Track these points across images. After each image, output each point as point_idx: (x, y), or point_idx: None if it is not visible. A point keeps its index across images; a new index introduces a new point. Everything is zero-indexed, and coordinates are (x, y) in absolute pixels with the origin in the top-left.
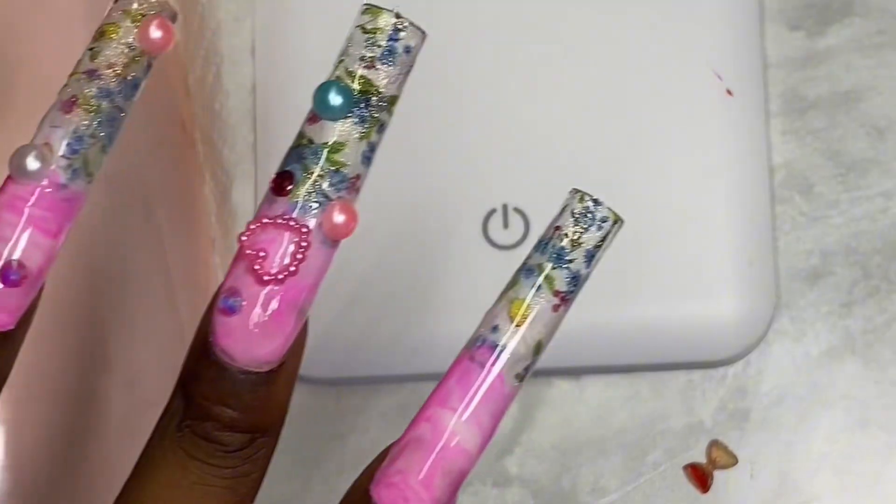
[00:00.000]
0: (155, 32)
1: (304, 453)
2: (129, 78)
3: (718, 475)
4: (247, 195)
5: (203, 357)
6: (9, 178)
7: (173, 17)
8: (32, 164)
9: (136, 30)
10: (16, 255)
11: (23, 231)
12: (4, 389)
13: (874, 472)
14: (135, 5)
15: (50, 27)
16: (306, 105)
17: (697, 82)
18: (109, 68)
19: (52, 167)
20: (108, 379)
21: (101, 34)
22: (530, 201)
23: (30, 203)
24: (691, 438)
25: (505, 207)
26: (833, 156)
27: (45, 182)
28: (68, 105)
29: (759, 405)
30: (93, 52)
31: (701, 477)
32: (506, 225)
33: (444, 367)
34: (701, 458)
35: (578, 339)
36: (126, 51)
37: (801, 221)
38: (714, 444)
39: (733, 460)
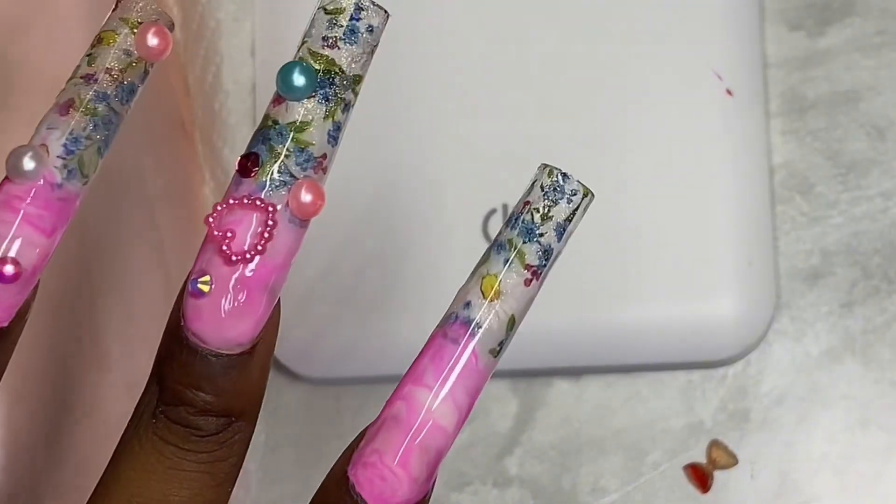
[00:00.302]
0: (152, 40)
1: (303, 453)
2: (126, 83)
3: (718, 475)
4: None
5: (175, 341)
6: (6, 178)
7: (170, 26)
8: (28, 164)
9: (133, 37)
10: (11, 253)
11: (18, 229)
12: (2, 388)
13: (874, 472)
14: (132, 13)
15: (50, 27)
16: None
17: (697, 82)
18: (106, 73)
19: (48, 167)
20: (108, 379)
21: (99, 40)
22: None
23: (25, 202)
24: (691, 438)
25: (505, 207)
26: (833, 156)
27: (40, 182)
28: (65, 108)
29: (759, 405)
30: (90, 58)
31: (701, 477)
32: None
33: None
34: (701, 459)
35: (578, 339)
36: (123, 57)
37: (801, 221)
38: (714, 445)
39: (733, 460)
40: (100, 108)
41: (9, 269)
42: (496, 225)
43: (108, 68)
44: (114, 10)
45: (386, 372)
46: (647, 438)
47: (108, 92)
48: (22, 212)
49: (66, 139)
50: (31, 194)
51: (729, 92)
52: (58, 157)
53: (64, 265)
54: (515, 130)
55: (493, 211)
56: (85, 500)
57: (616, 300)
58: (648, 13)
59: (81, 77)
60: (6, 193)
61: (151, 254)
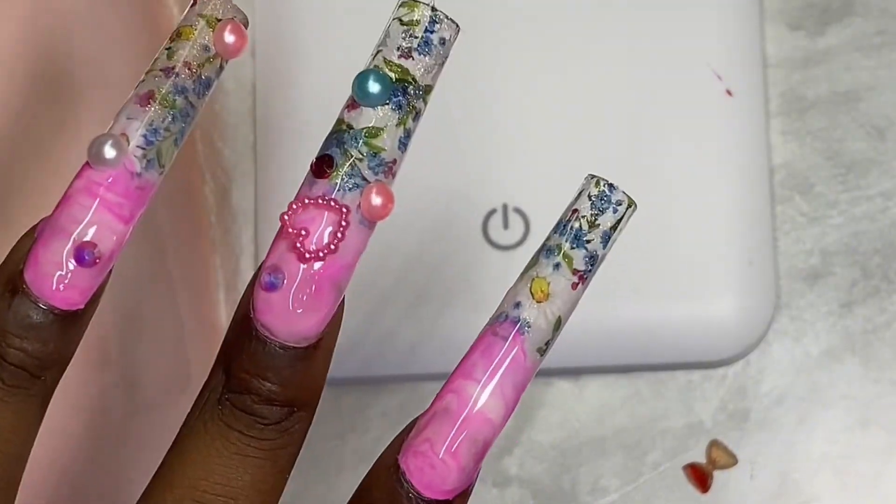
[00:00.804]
0: (229, 37)
1: (303, 453)
2: (203, 77)
3: (718, 475)
4: (247, 195)
5: (244, 332)
6: (86, 164)
7: (245, 23)
8: (109, 152)
9: (211, 32)
10: (90, 237)
11: (98, 215)
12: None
13: (874, 471)
14: (209, 9)
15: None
16: (306, 105)
17: (697, 82)
18: (185, 67)
19: (128, 156)
20: (108, 379)
21: (177, 34)
22: (530, 201)
23: (105, 188)
24: (691, 438)
25: (505, 207)
26: (833, 156)
27: (120, 169)
28: (144, 99)
29: (758, 405)
30: (169, 52)
31: (701, 477)
32: (506, 225)
33: (444, 367)
34: (701, 459)
35: (578, 339)
36: (201, 52)
37: (800, 221)
38: (714, 445)
39: (733, 460)
40: (178, 101)
41: (88, 253)
42: (496, 225)
43: (186, 62)
44: (192, 5)
45: (386, 372)
46: (646, 438)
47: (187, 85)
48: (102, 198)
49: (146, 130)
50: (111, 181)
51: (729, 92)
52: (137, 146)
53: None
54: (516, 131)
55: (493, 211)
56: (86, 499)
57: (616, 300)
58: (648, 13)
59: (161, 69)
60: (87, 179)
61: (152, 253)
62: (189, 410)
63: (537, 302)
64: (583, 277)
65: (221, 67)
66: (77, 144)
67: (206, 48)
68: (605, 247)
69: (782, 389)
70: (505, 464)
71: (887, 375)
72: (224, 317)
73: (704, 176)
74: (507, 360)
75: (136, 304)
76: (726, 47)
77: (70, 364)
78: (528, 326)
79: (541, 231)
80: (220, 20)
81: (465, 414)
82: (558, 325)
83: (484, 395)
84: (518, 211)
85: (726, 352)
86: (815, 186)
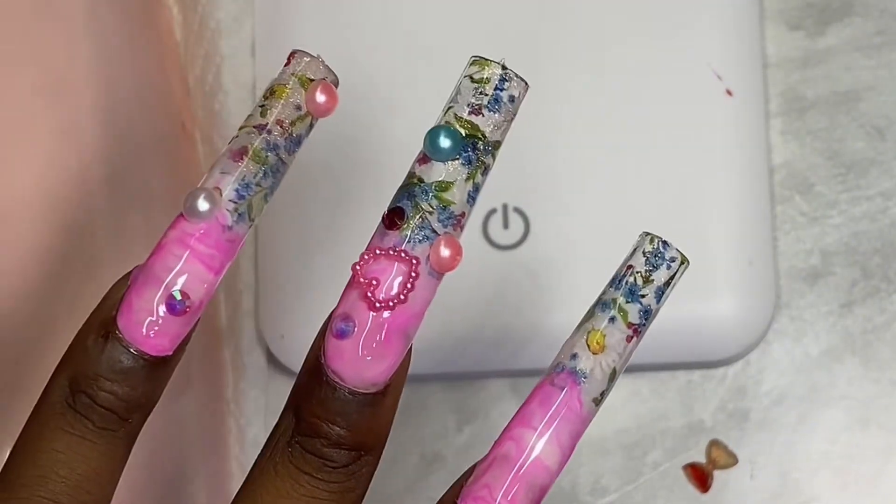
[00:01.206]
0: (320, 97)
1: None
2: (294, 135)
3: (718, 475)
4: None
5: (314, 377)
6: (180, 215)
7: (336, 83)
8: (203, 205)
9: (303, 92)
10: (182, 286)
11: (189, 265)
12: (1, 389)
13: (874, 471)
14: (302, 68)
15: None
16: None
17: (697, 82)
18: (278, 125)
19: (221, 209)
20: None
21: (271, 92)
22: (530, 201)
23: (197, 240)
24: (691, 438)
25: (505, 207)
26: (833, 156)
27: (212, 222)
28: (238, 154)
29: (758, 405)
30: (263, 109)
31: (701, 477)
32: (506, 225)
33: (444, 367)
34: (701, 458)
35: None
36: (293, 110)
37: (800, 221)
38: (714, 444)
39: (733, 460)
40: (270, 158)
41: (179, 302)
42: (496, 225)
43: (279, 120)
44: (286, 64)
45: None
46: (646, 438)
47: (278, 142)
48: (194, 249)
49: (238, 185)
50: (203, 233)
51: (729, 92)
52: (230, 200)
53: (65, 265)
54: (515, 131)
55: (493, 211)
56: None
57: None
58: (648, 13)
59: (255, 126)
60: (181, 231)
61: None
62: (260, 451)
63: (593, 354)
64: (637, 331)
65: (311, 125)
66: (76, 146)
67: (298, 107)
68: (658, 302)
69: (782, 389)
70: None
71: (887, 375)
72: (224, 317)
73: (704, 176)
74: (564, 410)
75: None
76: (726, 47)
77: None
78: (585, 377)
79: (541, 231)
80: (312, 80)
81: (523, 461)
82: (613, 376)
83: (541, 443)
84: (518, 211)
85: (726, 352)
86: (815, 186)
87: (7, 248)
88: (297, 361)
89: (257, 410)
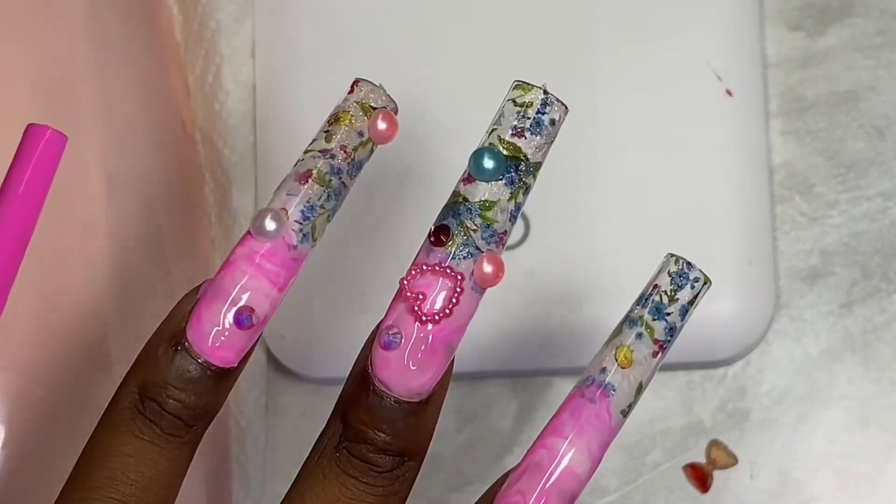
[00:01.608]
0: (381, 124)
1: (303, 453)
2: (356, 160)
3: (718, 475)
4: (247, 195)
5: (362, 386)
6: (248, 233)
7: (396, 111)
8: (270, 224)
9: (365, 119)
10: (249, 302)
11: (256, 281)
12: (3, 391)
13: (874, 471)
14: (364, 96)
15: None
16: (306, 105)
17: (697, 82)
18: (341, 150)
19: (287, 229)
20: (109, 379)
21: (335, 119)
22: (530, 201)
23: (264, 258)
24: (691, 438)
25: None
26: (832, 156)
27: (279, 241)
28: (303, 178)
29: (758, 405)
30: (328, 134)
31: (701, 477)
32: None
33: None
34: (701, 458)
35: (579, 339)
36: (356, 136)
37: (800, 221)
38: (714, 444)
39: (733, 460)
40: (333, 181)
41: (246, 317)
42: None
43: (342, 146)
44: (349, 91)
45: None
46: (646, 438)
47: (341, 167)
48: (261, 267)
49: (304, 206)
50: (270, 251)
51: (729, 92)
52: (295, 221)
53: (65, 265)
54: None
55: None
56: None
57: (616, 300)
58: (648, 13)
59: (319, 151)
60: (249, 248)
61: (152, 253)
62: (307, 456)
63: (621, 368)
64: (662, 347)
65: (372, 151)
66: (77, 145)
67: (360, 133)
68: (682, 319)
69: (782, 389)
70: (505, 463)
71: (887, 375)
72: None
73: (704, 176)
74: (594, 421)
75: (137, 304)
76: (726, 47)
77: (72, 364)
78: (614, 390)
79: (541, 231)
80: (374, 107)
81: (554, 469)
82: (639, 389)
83: (572, 452)
84: None
85: (726, 352)
86: (815, 186)
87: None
88: (297, 362)
89: (257, 410)
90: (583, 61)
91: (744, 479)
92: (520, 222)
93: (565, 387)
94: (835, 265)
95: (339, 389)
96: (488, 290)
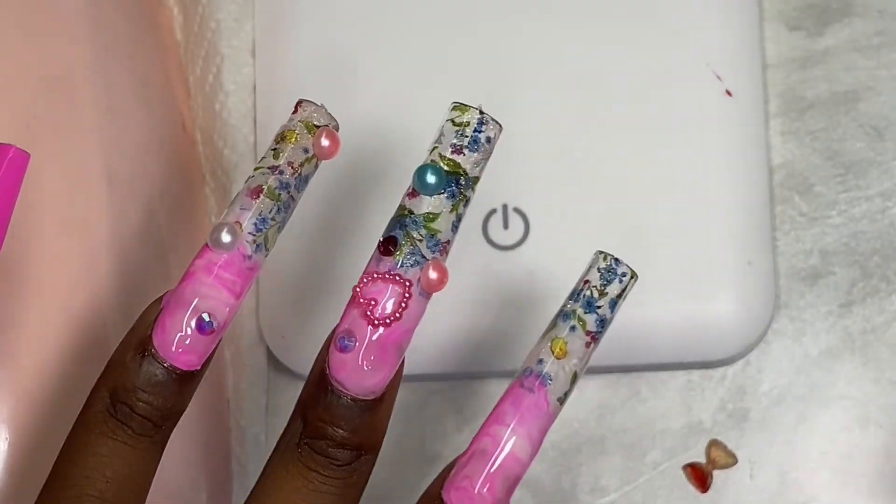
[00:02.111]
0: (325, 141)
1: None
2: (302, 175)
3: (718, 475)
4: None
5: (320, 387)
6: (205, 246)
7: (337, 128)
8: (226, 237)
9: (309, 137)
10: (209, 309)
11: (215, 290)
12: (3, 390)
13: (873, 471)
14: (307, 115)
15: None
16: None
17: (697, 83)
18: (289, 166)
19: (242, 241)
20: None
21: (282, 137)
22: (530, 201)
23: (221, 268)
24: (691, 438)
25: (505, 207)
26: (832, 156)
27: (234, 252)
28: (255, 192)
29: (758, 405)
30: (275, 152)
31: (700, 477)
32: (506, 225)
33: (444, 367)
34: (700, 458)
35: None
36: (301, 153)
37: (800, 221)
38: (713, 444)
39: (733, 460)
40: (282, 195)
41: (207, 323)
42: (496, 225)
43: (289, 162)
44: (294, 112)
45: None
46: (646, 438)
47: (289, 181)
48: (218, 276)
49: (256, 219)
50: (227, 262)
51: (728, 92)
52: (249, 233)
53: (65, 265)
54: (515, 132)
55: (493, 211)
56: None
57: None
58: (647, 14)
59: (268, 168)
60: (207, 259)
61: (152, 253)
62: (270, 454)
63: (557, 359)
64: (594, 338)
65: (316, 166)
66: (77, 145)
67: (305, 150)
68: (612, 311)
69: (782, 389)
70: None
71: (886, 375)
72: None
73: (704, 176)
74: (533, 409)
75: (137, 304)
76: (726, 48)
77: (72, 364)
78: (550, 379)
79: (541, 231)
80: (317, 125)
81: (498, 454)
82: (574, 378)
83: (514, 439)
84: (518, 211)
85: (726, 352)
86: (815, 186)
87: (6, 245)
88: (297, 361)
89: (258, 410)
90: (583, 62)
91: (743, 479)
92: (520, 222)
93: None
94: (834, 265)
95: None
96: (479, 288)
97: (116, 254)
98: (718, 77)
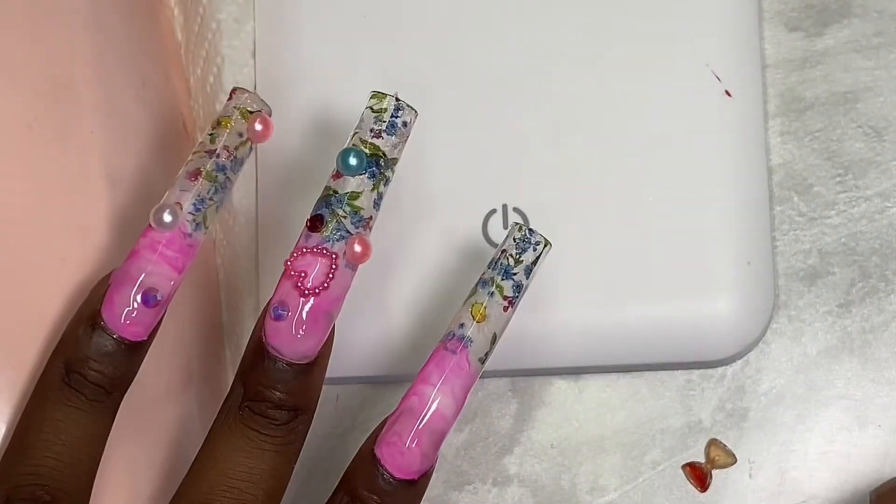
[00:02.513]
0: (258, 126)
1: (304, 452)
2: (238, 157)
3: (717, 474)
4: (247, 195)
5: (258, 353)
6: (149, 226)
7: (270, 113)
8: (167, 217)
9: (244, 122)
10: (153, 284)
11: (158, 266)
12: (5, 391)
13: (872, 471)
14: (242, 102)
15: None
16: (306, 105)
17: (696, 83)
18: (224, 150)
19: (182, 221)
20: None
21: (218, 123)
22: (530, 201)
23: (164, 246)
24: (690, 438)
25: (505, 207)
26: (831, 156)
27: (175, 231)
28: (193, 175)
29: (757, 405)
30: (212, 136)
31: (700, 476)
32: (506, 225)
33: None
34: (700, 458)
35: (578, 339)
36: (236, 137)
37: (799, 222)
38: (713, 444)
39: (732, 459)
40: (219, 177)
41: (152, 297)
42: (496, 225)
43: (225, 146)
44: (229, 99)
45: (385, 372)
46: (646, 438)
47: (226, 164)
48: (162, 253)
49: (195, 199)
50: (168, 240)
51: (727, 93)
52: (188, 213)
53: (66, 265)
54: (516, 132)
55: (493, 211)
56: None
57: (615, 300)
58: (647, 14)
59: (205, 151)
60: (150, 238)
61: None
62: (214, 418)
63: (477, 322)
64: (511, 302)
65: (251, 149)
66: (77, 145)
67: (240, 134)
68: (527, 278)
69: (781, 389)
70: (504, 463)
71: (885, 375)
72: (224, 317)
73: (703, 176)
74: (456, 369)
75: None
76: (725, 48)
77: None
78: (471, 341)
79: (541, 231)
80: (251, 111)
81: (424, 412)
82: (494, 339)
83: (439, 397)
84: (518, 211)
85: (725, 351)
86: (814, 187)
87: (7, 246)
88: None
89: None
90: (582, 62)
91: (743, 479)
92: (520, 222)
93: (565, 386)
94: (833, 265)
95: (339, 388)
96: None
97: (117, 254)
98: (718, 77)
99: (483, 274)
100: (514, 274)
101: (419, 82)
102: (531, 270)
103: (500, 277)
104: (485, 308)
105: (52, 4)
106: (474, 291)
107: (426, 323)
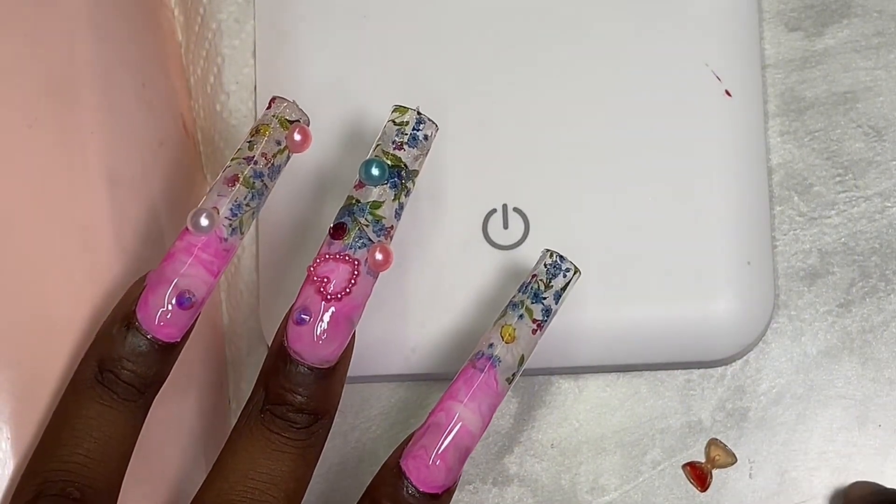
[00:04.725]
0: (297, 136)
1: None
2: (275, 165)
3: (717, 474)
4: None
5: (280, 357)
6: (185, 229)
7: (308, 123)
8: (204, 221)
9: (282, 131)
10: (188, 286)
11: (194, 269)
12: (5, 391)
13: (872, 470)
14: (281, 111)
15: (52, 27)
16: (307, 105)
17: (696, 83)
18: (262, 157)
19: (219, 225)
20: None
21: (256, 130)
22: (530, 201)
23: (200, 249)
24: (690, 437)
25: (505, 207)
26: (831, 156)
27: (212, 235)
28: (231, 181)
29: (757, 404)
30: (251, 144)
31: (700, 476)
32: (506, 225)
33: (444, 367)
34: (700, 457)
35: (578, 339)
36: (274, 145)
37: (799, 221)
38: (713, 443)
39: (732, 459)
40: (256, 183)
41: (186, 299)
42: (496, 225)
43: (263, 153)
44: (268, 107)
45: (386, 372)
46: (646, 437)
47: (263, 171)
48: (197, 256)
49: (232, 205)
50: (205, 244)
51: (728, 93)
52: (225, 217)
53: (66, 265)
54: (516, 132)
55: (493, 211)
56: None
57: (615, 300)
58: (647, 14)
59: (244, 158)
60: (186, 241)
61: (153, 253)
62: (236, 421)
63: (506, 343)
64: (540, 325)
65: (288, 157)
66: (78, 145)
67: (278, 142)
68: (556, 303)
69: (781, 388)
70: (505, 463)
71: (885, 375)
72: (225, 317)
73: (703, 176)
74: (484, 387)
75: None
76: (725, 48)
77: (73, 365)
78: (499, 361)
79: (541, 231)
80: (290, 120)
81: (452, 427)
82: (521, 361)
83: (466, 413)
84: (518, 211)
85: (725, 351)
86: (814, 187)
87: (8, 247)
88: None
89: None
90: (582, 62)
91: (743, 478)
92: (520, 222)
93: (565, 386)
94: (833, 265)
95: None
96: (479, 288)
97: (118, 254)
98: (718, 77)
99: (513, 297)
100: (544, 298)
101: (419, 82)
102: (560, 296)
103: (530, 301)
104: (514, 329)
105: (52, 5)
106: (504, 313)
107: (426, 323)
